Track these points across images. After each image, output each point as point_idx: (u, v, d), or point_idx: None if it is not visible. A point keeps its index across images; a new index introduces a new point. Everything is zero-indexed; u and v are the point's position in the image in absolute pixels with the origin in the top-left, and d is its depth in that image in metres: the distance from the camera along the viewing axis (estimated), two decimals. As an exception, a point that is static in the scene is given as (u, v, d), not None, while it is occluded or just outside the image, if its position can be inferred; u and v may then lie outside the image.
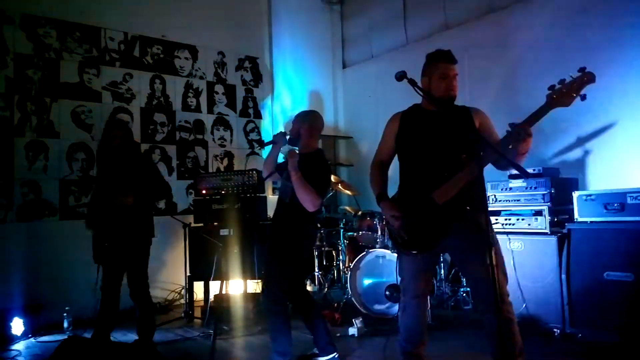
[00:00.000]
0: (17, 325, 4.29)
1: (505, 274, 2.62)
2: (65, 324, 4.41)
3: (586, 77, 2.30)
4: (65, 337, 4.08)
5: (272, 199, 6.19)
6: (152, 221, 3.85)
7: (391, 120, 2.89)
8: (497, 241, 2.67)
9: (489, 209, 4.04)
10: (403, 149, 2.83)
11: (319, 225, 5.63)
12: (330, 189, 3.42)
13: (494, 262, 2.09)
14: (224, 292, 4.96)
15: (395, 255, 4.41)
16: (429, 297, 3.40)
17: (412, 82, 2.53)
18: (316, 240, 3.61)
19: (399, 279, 2.85)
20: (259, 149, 3.50)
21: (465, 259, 2.70)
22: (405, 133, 2.80)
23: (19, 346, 4.15)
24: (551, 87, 2.35)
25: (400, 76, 2.47)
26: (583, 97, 2.30)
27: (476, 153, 2.44)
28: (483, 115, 2.76)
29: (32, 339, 4.31)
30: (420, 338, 2.82)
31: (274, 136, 3.52)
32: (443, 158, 2.63)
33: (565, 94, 2.31)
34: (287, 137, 3.44)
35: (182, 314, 5.05)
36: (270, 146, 3.53)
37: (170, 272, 5.66)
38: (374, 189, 2.88)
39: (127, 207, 3.63)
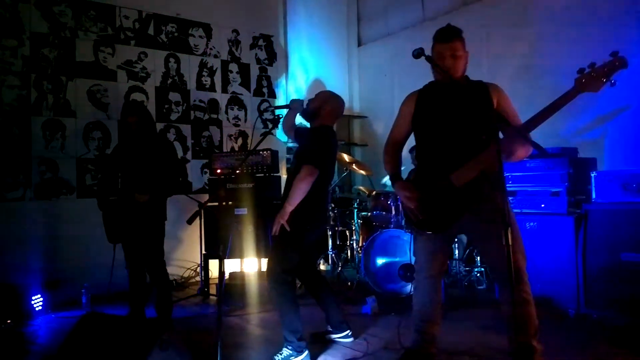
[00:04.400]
0: (37, 301, 4.38)
1: (524, 255, 2.60)
2: (84, 300, 4.49)
3: (618, 62, 2.20)
4: (84, 312, 4.17)
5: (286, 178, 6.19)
6: (164, 207, 3.91)
7: (407, 99, 2.84)
8: (515, 222, 2.65)
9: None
10: (420, 129, 2.79)
11: (331, 205, 5.63)
12: (329, 160, 3.34)
13: (510, 243, 2.07)
14: (231, 270, 5.02)
15: (410, 234, 4.42)
16: (443, 277, 3.40)
17: (430, 60, 2.48)
18: (323, 221, 3.53)
19: (414, 258, 2.85)
20: (273, 116, 3.47)
21: (481, 239, 2.70)
22: (422, 113, 2.75)
23: (39, 321, 4.25)
24: (580, 71, 2.26)
25: (418, 53, 2.41)
26: (613, 83, 2.21)
27: (496, 134, 2.40)
28: (501, 92, 2.68)
29: (51, 315, 4.40)
30: (434, 317, 2.83)
31: (291, 101, 3.52)
32: (461, 137, 2.59)
33: (594, 78, 2.22)
34: (304, 106, 3.43)
35: (198, 291, 5.12)
36: (286, 111, 3.58)
37: (186, 250, 5.73)
38: (388, 169, 2.88)
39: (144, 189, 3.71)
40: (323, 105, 3.35)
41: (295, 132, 3.63)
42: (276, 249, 3.19)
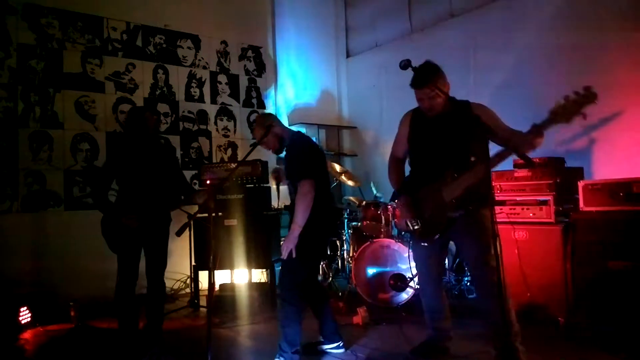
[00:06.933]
0: (24, 315, 4.32)
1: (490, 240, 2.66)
2: (72, 313, 4.44)
3: (588, 98, 2.34)
4: (73, 326, 4.12)
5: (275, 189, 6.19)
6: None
7: (403, 120, 3.16)
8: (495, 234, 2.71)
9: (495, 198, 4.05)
10: (413, 150, 3.12)
11: (335, 214, 5.59)
12: (316, 163, 3.32)
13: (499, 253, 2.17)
14: (222, 281, 4.98)
15: (399, 245, 4.45)
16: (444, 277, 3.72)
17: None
18: (330, 230, 3.64)
19: (413, 264, 3.24)
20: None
21: (462, 242, 2.99)
22: (414, 135, 3.07)
23: (27, 335, 4.18)
24: (558, 101, 2.41)
25: (405, 65, 2.47)
26: (584, 116, 2.36)
27: (485, 155, 2.50)
28: (485, 112, 2.85)
29: (39, 328, 4.34)
30: (443, 314, 3.17)
31: (272, 172, 3.68)
32: (449, 159, 2.86)
33: (566, 111, 2.38)
34: (282, 167, 3.49)
35: (188, 303, 5.08)
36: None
37: (176, 262, 5.66)
38: (392, 184, 3.23)
39: (162, 199, 3.66)
40: (269, 128, 3.28)
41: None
42: (290, 262, 3.16)
